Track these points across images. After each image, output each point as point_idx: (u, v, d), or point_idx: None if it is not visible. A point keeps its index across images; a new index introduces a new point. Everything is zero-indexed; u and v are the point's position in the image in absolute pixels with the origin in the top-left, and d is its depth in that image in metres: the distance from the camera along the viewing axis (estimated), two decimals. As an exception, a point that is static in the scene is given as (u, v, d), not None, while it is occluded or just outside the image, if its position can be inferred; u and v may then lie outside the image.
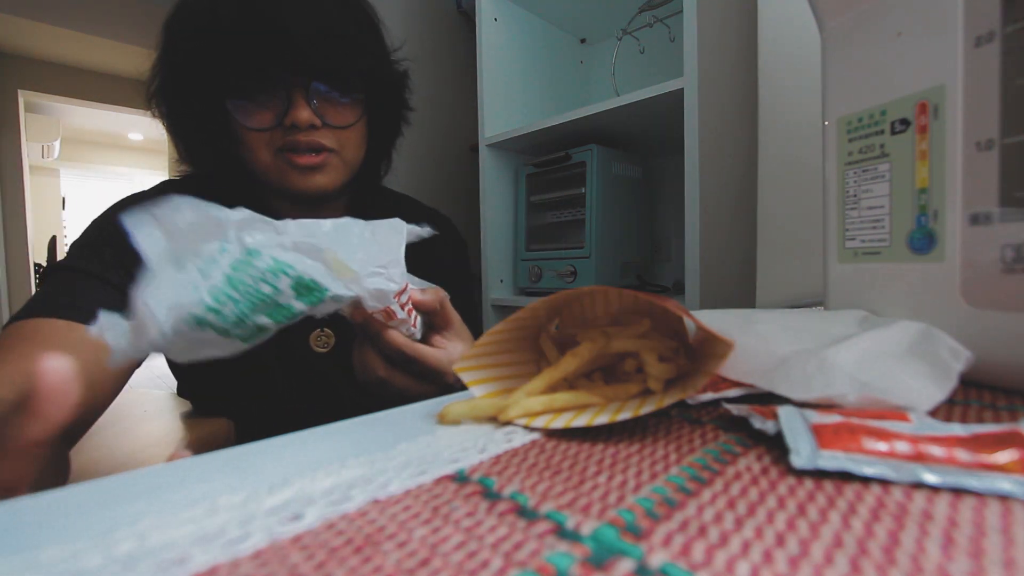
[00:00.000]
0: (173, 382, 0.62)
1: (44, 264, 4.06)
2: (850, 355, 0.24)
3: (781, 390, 0.23)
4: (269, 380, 0.52)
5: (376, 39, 0.51)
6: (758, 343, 0.26)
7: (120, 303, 0.41)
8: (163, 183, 0.54)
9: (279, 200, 0.54)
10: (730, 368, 0.26)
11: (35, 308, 0.40)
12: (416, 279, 0.40)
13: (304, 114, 0.45)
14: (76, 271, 0.43)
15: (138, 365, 0.44)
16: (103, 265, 0.44)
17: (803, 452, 0.17)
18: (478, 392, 0.26)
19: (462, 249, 0.69)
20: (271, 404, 0.52)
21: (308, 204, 0.54)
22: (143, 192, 0.52)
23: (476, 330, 0.52)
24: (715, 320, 0.29)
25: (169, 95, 0.48)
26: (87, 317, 0.39)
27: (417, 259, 0.65)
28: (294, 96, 0.45)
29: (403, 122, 0.59)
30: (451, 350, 0.39)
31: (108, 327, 0.23)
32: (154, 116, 0.49)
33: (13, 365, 0.35)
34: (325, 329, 0.54)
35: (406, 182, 0.95)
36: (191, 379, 0.58)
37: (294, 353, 0.53)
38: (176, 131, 0.50)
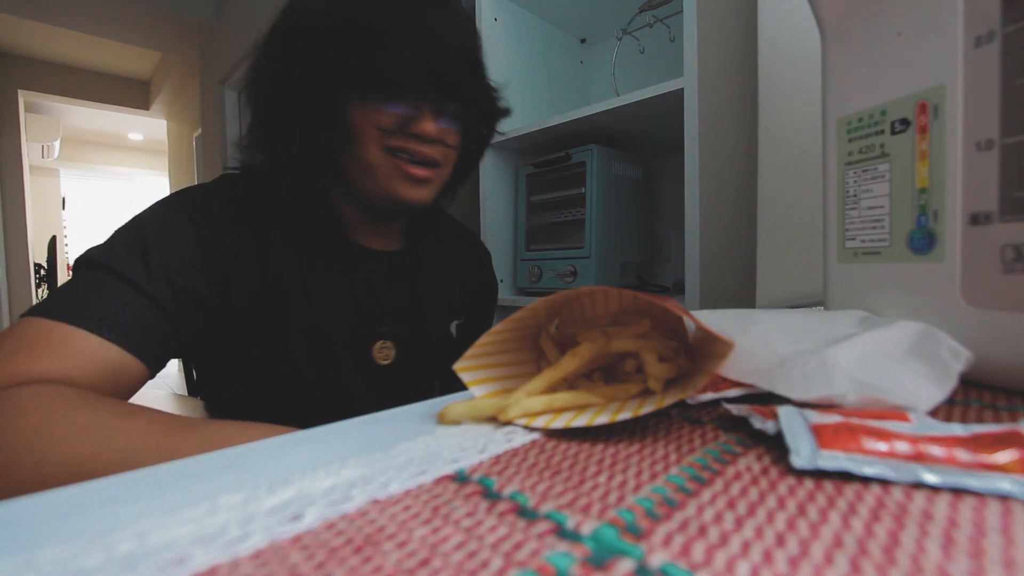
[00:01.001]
0: (173, 382, 0.62)
1: (44, 264, 4.06)
2: (850, 355, 0.24)
3: (781, 390, 0.23)
4: (334, 389, 0.53)
5: (488, 79, 0.54)
6: (758, 343, 0.26)
7: (152, 318, 0.41)
8: (222, 178, 0.53)
9: (350, 207, 0.53)
10: (730, 368, 0.26)
11: (61, 309, 0.38)
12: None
13: (431, 127, 0.46)
14: (115, 275, 0.41)
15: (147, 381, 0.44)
16: (148, 275, 0.42)
17: (803, 452, 0.17)
18: (478, 392, 0.26)
19: (496, 290, 0.75)
20: (334, 413, 0.52)
21: (384, 218, 0.54)
22: (201, 187, 0.51)
23: None
24: (715, 320, 0.29)
25: (287, 86, 0.46)
26: (114, 333, 0.39)
27: (473, 294, 0.67)
28: (422, 107, 0.46)
29: (483, 155, 0.62)
30: None
31: None
32: (252, 109, 0.49)
33: (22, 366, 0.35)
34: (387, 342, 0.56)
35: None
36: (250, 386, 0.53)
37: (359, 364, 0.55)
38: (273, 117, 0.48)
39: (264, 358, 0.50)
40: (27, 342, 0.36)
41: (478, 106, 0.51)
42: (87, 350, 0.37)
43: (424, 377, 0.59)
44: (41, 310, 0.38)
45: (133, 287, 0.41)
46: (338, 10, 0.45)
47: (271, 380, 0.51)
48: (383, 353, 0.56)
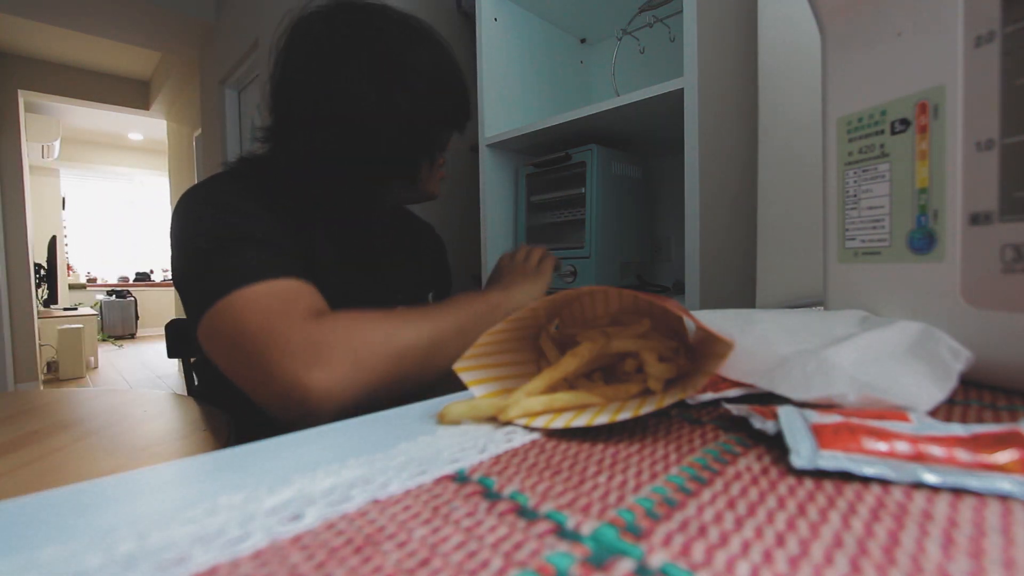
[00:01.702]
0: (173, 382, 0.62)
1: (44, 264, 4.06)
2: (850, 355, 0.24)
3: (781, 390, 0.23)
4: None
5: None
6: (758, 343, 0.26)
7: (289, 258, 0.49)
8: (254, 184, 0.56)
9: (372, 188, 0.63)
10: (730, 368, 0.26)
11: (246, 275, 0.44)
12: None
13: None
14: (245, 240, 0.47)
15: None
16: (272, 231, 0.49)
17: (803, 452, 0.17)
18: (478, 392, 0.26)
19: (446, 256, 0.88)
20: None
21: (400, 203, 0.72)
22: (233, 170, 0.58)
23: None
24: (715, 320, 0.29)
25: (413, 130, 0.57)
26: (284, 272, 0.46)
27: (432, 258, 0.78)
28: (447, 147, 0.66)
29: None
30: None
31: None
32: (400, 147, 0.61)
33: (296, 310, 0.43)
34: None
35: (406, 182, 0.97)
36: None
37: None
38: (399, 158, 0.59)
39: None
40: (269, 301, 0.43)
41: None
42: (293, 287, 0.45)
43: None
44: (232, 283, 0.43)
45: (270, 242, 0.48)
46: (441, 73, 0.59)
47: None
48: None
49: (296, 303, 0.43)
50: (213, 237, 0.47)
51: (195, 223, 0.49)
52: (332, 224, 0.58)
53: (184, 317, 0.68)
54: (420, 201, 0.68)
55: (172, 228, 0.52)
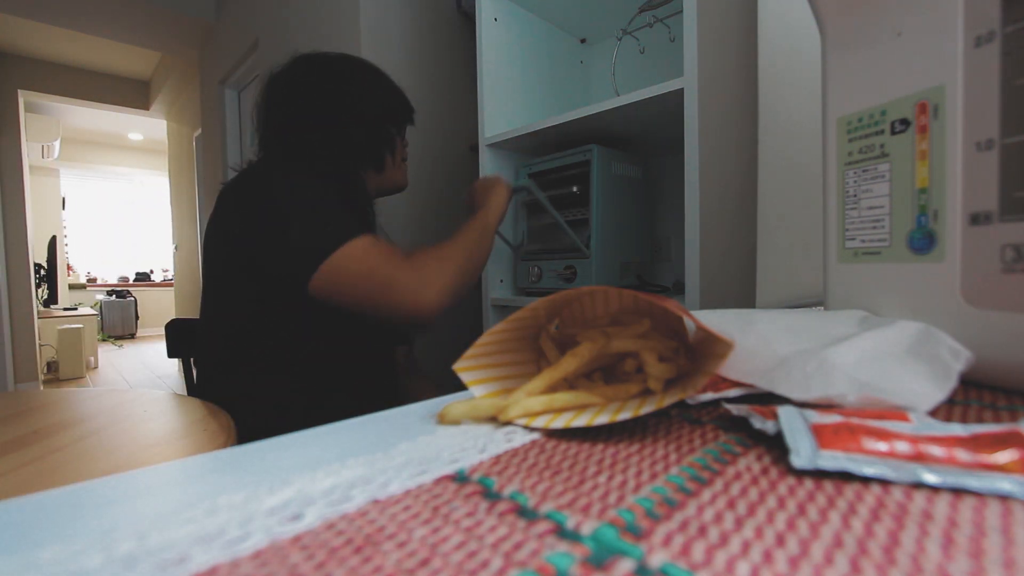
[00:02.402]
0: (173, 382, 0.62)
1: (44, 264, 4.06)
2: (850, 355, 0.24)
3: (781, 390, 0.23)
4: (357, 389, 0.73)
5: None
6: (758, 343, 0.26)
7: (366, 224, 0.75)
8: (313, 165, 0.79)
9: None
10: (730, 368, 0.26)
11: (358, 230, 0.65)
12: None
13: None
14: (343, 209, 0.68)
15: None
16: (343, 202, 0.70)
17: (803, 452, 0.17)
18: (478, 392, 0.26)
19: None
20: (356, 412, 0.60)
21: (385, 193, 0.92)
22: (309, 165, 0.75)
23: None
24: (715, 320, 0.29)
25: (378, 130, 0.84)
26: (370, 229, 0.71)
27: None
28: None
29: None
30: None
31: None
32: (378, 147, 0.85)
33: (384, 249, 0.66)
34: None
35: (406, 182, 0.97)
36: (271, 389, 0.71)
37: (383, 365, 0.79)
38: (370, 150, 0.84)
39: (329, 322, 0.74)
40: (377, 249, 0.65)
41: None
42: (379, 240, 0.67)
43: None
44: (345, 237, 0.64)
45: (346, 209, 0.69)
46: (393, 91, 0.86)
47: (303, 378, 0.71)
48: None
49: (390, 250, 0.65)
50: (313, 204, 0.66)
51: (290, 194, 0.67)
52: (357, 205, 0.79)
53: (183, 317, 0.70)
54: (393, 190, 0.88)
55: (260, 202, 0.68)
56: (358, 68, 0.83)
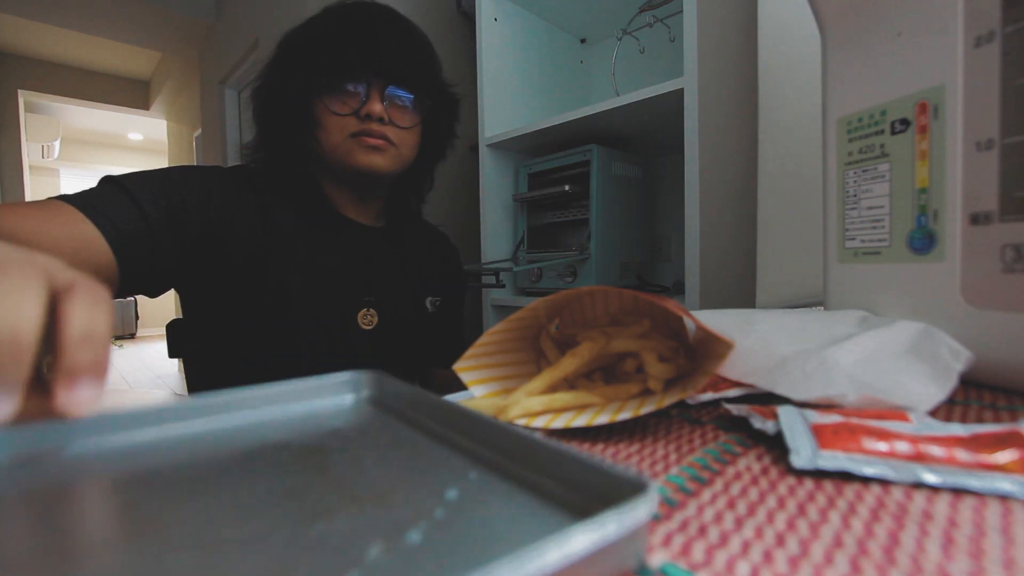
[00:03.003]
0: (173, 382, 0.62)
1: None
2: (850, 355, 0.24)
3: (781, 390, 0.23)
4: (319, 348, 0.59)
5: (437, 68, 0.65)
6: (758, 343, 0.26)
7: (139, 230, 0.51)
8: (239, 166, 0.64)
9: (334, 187, 0.64)
10: (730, 368, 0.26)
11: (78, 199, 0.48)
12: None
13: (377, 107, 0.57)
14: (125, 191, 0.52)
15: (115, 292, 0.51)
16: (153, 200, 0.52)
17: (803, 452, 0.17)
18: (478, 392, 0.26)
19: (464, 273, 0.84)
20: (316, 371, 0.54)
21: (360, 191, 0.65)
22: (225, 167, 0.63)
23: (466, 337, 0.64)
24: (715, 320, 0.29)
25: (270, 90, 0.61)
26: (101, 220, 0.48)
27: (444, 280, 0.74)
28: (372, 94, 0.58)
29: (449, 144, 0.72)
30: None
31: None
32: (253, 113, 0.63)
33: (60, 230, 0.45)
34: (371, 310, 0.63)
35: (406, 182, 0.97)
36: (224, 360, 0.61)
37: (345, 327, 0.61)
38: (264, 122, 0.63)
39: (260, 316, 0.57)
40: (40, 208, 0.46)
41: (423, 92, 0.62)
42: (73, 222, 0.46)
43: (402, 344, 0.66)
44: (66, 198, 0.48)
45: (135, 203, 0.51)
46: (306, 34, 0.60)
47: (262, 338, 0.58)
48: (367, 320, 0.63)
49: (29, 215, 0.45)
50: (132, 177, 0.53)
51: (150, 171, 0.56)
52: (285, 198, 0.62)
53: (182, 317, 0.69)
54: (353, 174, 0.60)
55: None
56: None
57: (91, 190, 0.51)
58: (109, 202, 0.49)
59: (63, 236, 0.46)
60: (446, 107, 0.68)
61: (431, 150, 0.69)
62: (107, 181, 0.52)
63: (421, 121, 0.63)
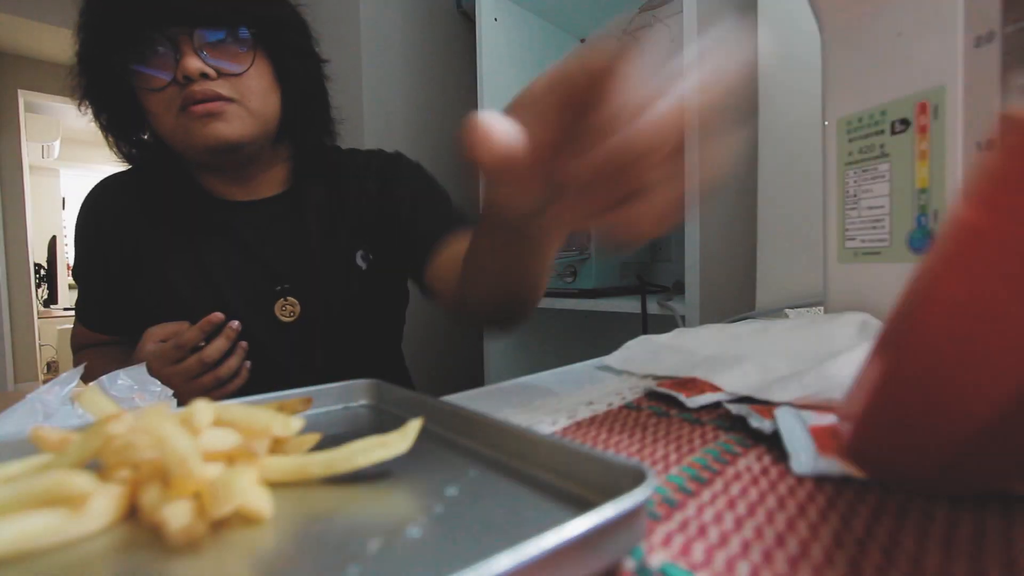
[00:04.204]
0: (172, 382, 0.63)
1: (44, 264, 4.06)
2: (848, 367, 0.24)
3: (776, 397, 0.23)
4: (249, 352, 0.51)
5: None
6: (755, 369, 0.26)
7: (96, 300, 0.61)
8: (103, 180, 0.61)
9: (207, 175, 0.56)
10: (726, 384, 0.26)
11: (76, 312, 0.62)
12: None
13: (193, 63, 0.45)
14: (78, 279, 0.61)
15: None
16: (85, 271, 0.60)
17: (803, 459, 0.17)
18: None
19: (424, 172, 0.66)
20: (253, 373, 0.52)
21: (235, 171, 0.55)
22: (102, 182, 0.61)
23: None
24: (712, 338, 0.29)
25: (87, 89, 0.51)
26: (84, 319, 0.64)
27: (393, 204, 0.60)
28: (183, 49, 0.46)
29: (312, 71, 0.57)
30: None
31: None
32: (91, 119, 0.53)
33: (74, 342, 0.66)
34: (288, 298, 0.55)
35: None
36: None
37: (265, 324, 0.54)
38: (102, 124, 0.53)
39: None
40: (73, 329, 0.65)
41: (243, 21, 0.48)
42: (81, 330, 0.64)
43: (338, 321, 0.57)
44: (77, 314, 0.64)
45: (79, 279, 0.60)
46: (86, 11, 0.49)
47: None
48: (286, 310, 0.55)
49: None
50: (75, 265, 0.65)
51: None
52: (156, 202, 0.56)
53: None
54: (205, 154, 0.50)
55: None
56: None
57: (77, 295, 0.62)
58: (81, 304, 0.62)
59: (98, 339, 0.63)
60: (284, 26, 0.53)
61: (294, 86, 0.54)
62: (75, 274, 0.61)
63: (261, 58, 0.50)
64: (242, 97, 0.49)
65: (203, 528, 0.13)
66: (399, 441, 0.16)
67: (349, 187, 0.60)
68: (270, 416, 0.17)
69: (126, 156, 0.56)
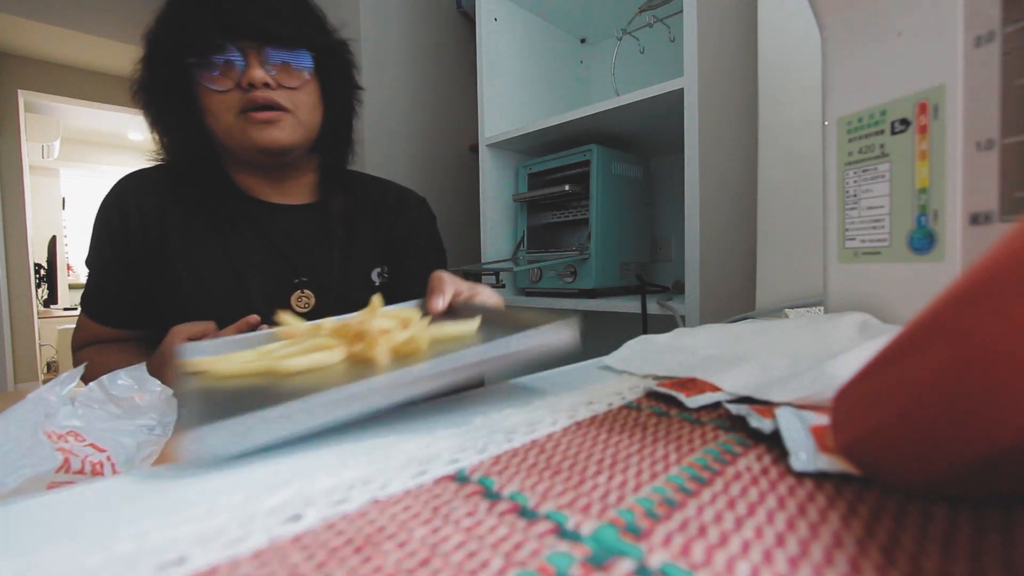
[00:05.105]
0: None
1: (44, 264, 4.06)
2: (848, 367, 0.24)
3: (776, 397, 0.23)
4: None
5: (315, 15, 0.60)
6: (755, 368, 0.26)
7: (110, 288, 0.60)
8: (128, 174, 0.62)
9: (244, 174, 0.61)
10: (726, 384, 0.26)
11: (83, 306, 0.61)
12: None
13: (258, 73, 0.53)
14: (90, 266, 0.60)
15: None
16: (99, 259, 0.59)
17: (803, 457, 0.17)
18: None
19: (435, 225, 0.76)
20: None
21: (272, 172, 0.61)
22: (132, 174, 0.62)
23: None
24: (712, 338, 0.29)
25: (149, 84, 0.57)
26: (92, 311, 0.61)
27: (397, 237, 0.69)
28: (250, 60, 0.54)
29: (352, 94, 0.66)
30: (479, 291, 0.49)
31: None
32: (141, 111, 0.59)
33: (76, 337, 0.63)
34: (305, 291, 0.60)
35: (406, 182, 0.96)
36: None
37: (275, 312, 0.58)
38: (153, 117, 0.59)
39: (185, 317, 0.54)
40: (77, 324, 0.63)
41: (305, 45, 0.57)
42: (87, 324, 0.61)
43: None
44: (83, 304, 0.61)
45: (95, 271, 0.60)
46: (166, 16, 0.56)
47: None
48: (301, 302, 0.60)
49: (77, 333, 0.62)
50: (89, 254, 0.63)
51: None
52: (192, 195, 0.60)
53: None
54: (254, 155, 0.57)
55: None
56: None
57: (85, 288, 0.61)
58: (92, 296, 0.60)
59: (103, 335, 0.60)
60: (335, 54, 0.62)
61: (335, 106, 0.63)
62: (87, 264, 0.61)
63: (313, 77, 0.58)
64: (296, 108, 0.57)
65: (387, 356, 0.28)
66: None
67: (368, 209, 0.68)
68: (414, 310, 0.37)
69: (166, 148, 0.60)
